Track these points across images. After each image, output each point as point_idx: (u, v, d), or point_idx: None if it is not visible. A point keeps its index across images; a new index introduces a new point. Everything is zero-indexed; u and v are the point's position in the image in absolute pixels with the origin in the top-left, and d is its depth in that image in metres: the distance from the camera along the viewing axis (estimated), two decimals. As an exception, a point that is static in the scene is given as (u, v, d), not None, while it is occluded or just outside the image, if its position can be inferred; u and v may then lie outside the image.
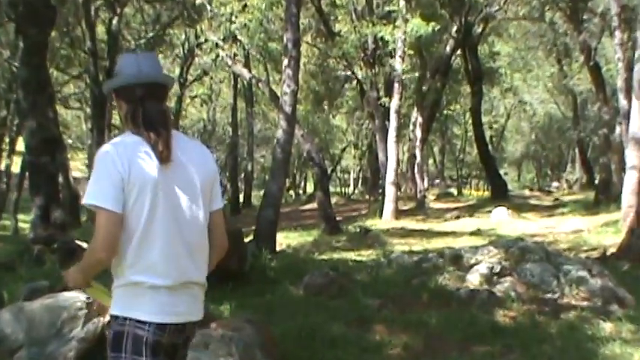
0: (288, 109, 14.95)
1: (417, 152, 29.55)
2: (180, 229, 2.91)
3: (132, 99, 2.99)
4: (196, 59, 33.46)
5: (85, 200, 2.77)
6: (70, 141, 39.52)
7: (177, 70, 36.09)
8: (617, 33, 19.55)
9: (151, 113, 2.95)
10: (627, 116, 17.70)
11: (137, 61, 3.05)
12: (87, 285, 3.07)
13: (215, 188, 3.12)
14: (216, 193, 3.12)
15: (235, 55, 22.95)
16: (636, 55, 15.21)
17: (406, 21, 22.60)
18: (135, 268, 2.85)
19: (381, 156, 26.64)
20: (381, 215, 24.24)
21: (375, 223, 22.78)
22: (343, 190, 51.34)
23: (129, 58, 3.14)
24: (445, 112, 39.86)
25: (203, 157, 3.11)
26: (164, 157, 2.88)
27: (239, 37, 22.27)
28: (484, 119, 37.86)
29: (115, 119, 32.13)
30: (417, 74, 26.82)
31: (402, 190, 31.58)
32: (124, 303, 2.89)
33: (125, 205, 2.81)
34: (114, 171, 2.80)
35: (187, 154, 3.01)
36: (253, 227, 15.95)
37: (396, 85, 23.93)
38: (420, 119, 29.27)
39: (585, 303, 8.24)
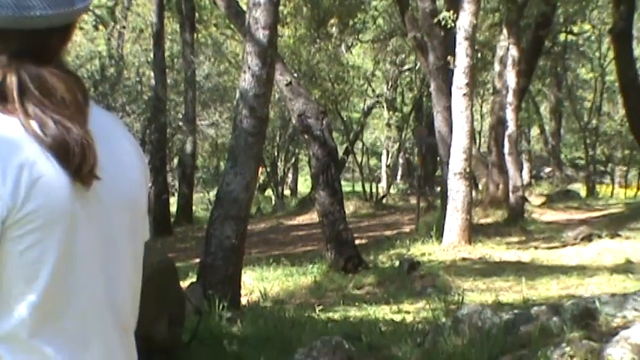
0: (261, 34, 14.95)
1: (509, 115, 29.50)
2: (110, 290, 2.85)
3: (5, 52, 2.67)
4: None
5: None
6: None
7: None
8: None
9: (48, 86, 2.65)
10: None
11: None
12: None
13: (145, 208, 3.04)
14: (145, 215, 3.05)
15: None
16: None
17: None
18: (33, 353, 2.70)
19: (438, 123, 26.67)
20: (440, 236, 24.23)
21: (429, 252, 22.80)
22: (369, 188, 51.33)
23: None
24: (563, 37, 39.90)
25: (131, 152, 2.96)
26: (85, 173, 2.66)
27: None
28: (638, 51, 37.85)
29: None
30: (507, -35, 26.89)
31: (481, 187, 31.65)
32: None
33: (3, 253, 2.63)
34: None
35: (112, 153, 2.83)
36: (197, 260, 15.97)
37: (468, -14, 23.97)
38: (513, 52, 29.24)
39: None
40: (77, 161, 2.59)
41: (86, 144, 2.61)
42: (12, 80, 2.57)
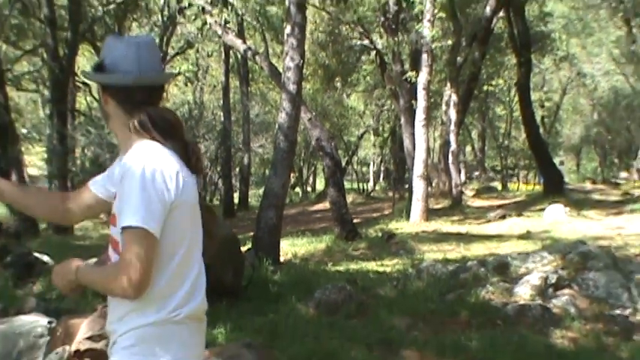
0: (291, 87, 14.92)
1: (452, 138, 29.48)
2: (200, 253, 3.14)
3: (129, 102, 3.03)
4: (179, 28, 33.48)
5: (134, 222, 2.78)
6: (24, 131, 39.56)
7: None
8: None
9: (166, 119, 3.05)
10: None
11: (138, 55, 3.02)
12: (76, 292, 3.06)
13: None
14: None
15: (226, 22, 22.91)
16: None
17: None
18: (170, 300, 2.93)
19: (406, 143, 26.64)
20: (407, 216, 24.24)
21: (400, 226, 22.78)
22: (361, 186, 51.28)
23: (127, 48, 3.04)
24: (485, 88, 39.82)
25: None
26: (199, 169, 3.11)
27: (230, -1, 22.26)
28: (534, 96, 37.80)
29: (81, 104, 32.15)
30: (449, 42, 26.75)
31: (434, 185, 31.53)
32: (147, 348, 2.90)
33: (165, 229, 2.91)
34: (166, 191, 2.88)
35: None
36: (251, 233, 15.96)
37: (425, 55, 23.87)
38: (454, 98, 29.18)
39: (663, 320, 8.21)
40: (194, 162, 3.07)
41: (197, 151, 3.11)
42: (144, 118, 3.00)
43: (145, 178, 2.82)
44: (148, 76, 3.03)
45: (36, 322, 5.65)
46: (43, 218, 2.95)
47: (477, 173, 52.55)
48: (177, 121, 3.08)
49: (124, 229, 2.78)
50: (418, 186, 24.11)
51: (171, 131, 3.02)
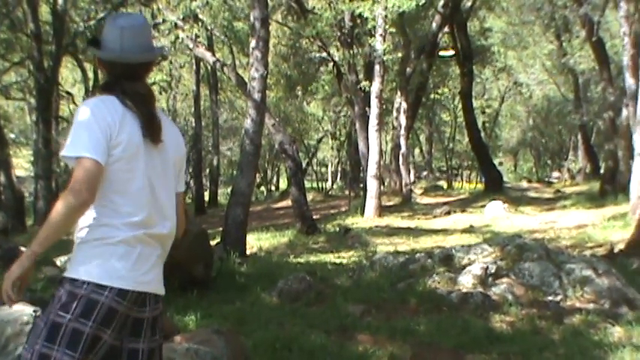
0: (256, 96, 14.89)
1: (402, 142, 29.60)
2: (155, 196, 3.18)
3: (113, 73, 3.26)
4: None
5: (70, 152, 2.95)
6: (12, 135, 39.20)
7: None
8: (623, 4, 19.57)
9: (138, 90, 3.22)
10: (635, 97, 17.83)
11: (121, 37, 3.22)
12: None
13: (182, 171, 3.44)
14: (182, 176, 3.45)
15: (197, 36, 22.80)
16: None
17: (387, -5, 22.58)
18: (109, 218, 3.04)
19: (361, 146, 26.71)
20: (362, 212, 24.28)
21: (356, 222, 22.80)
22: (320, 185, 51.32)
23: (113, 30, 3.25)
24: (432, 96, 40.03)
25: (177, 138, 3.42)
26: (156, 138, 3.19)
27: (201, 16, 22.18)
28: (475, 103, 38.04)
29: (64, 111, 31.87)
30: (399, 55, 26.81)
31: (386, 184, 31.60)
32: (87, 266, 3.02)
33: (109, 157, 3.02)
34: (104, 122, 3.02)
35: (167, 134, 3.30)
36: (220, 228, 15.91)
37: (377, 67, 23.96)
38: (404, 105, 29.30)
39: (591, 305, 8.28)
40: (153, 130, 3.17)
41: (159, 121, 3.22)
42: (123, 86, 3.16)
43: (84, 111, 3.04)
44: (127, 55, 3.20)
45: (22, 311, 5.61)
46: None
47: (424, 173, 52.75)
48: (148, 94, 3.26)
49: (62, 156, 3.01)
50: (372, 185, 24.17)
51: (139, 101, 3.17)
